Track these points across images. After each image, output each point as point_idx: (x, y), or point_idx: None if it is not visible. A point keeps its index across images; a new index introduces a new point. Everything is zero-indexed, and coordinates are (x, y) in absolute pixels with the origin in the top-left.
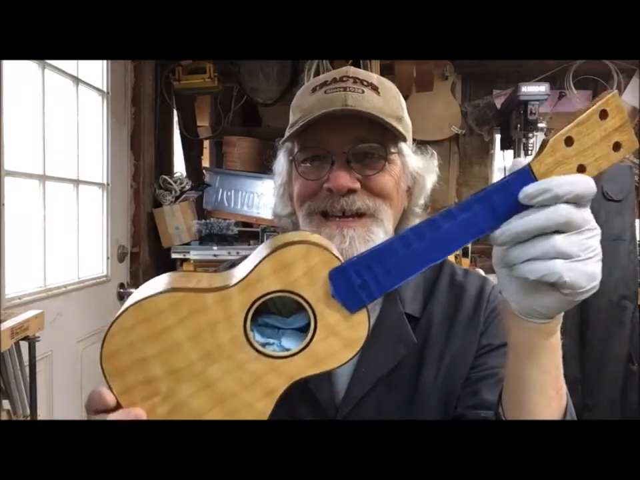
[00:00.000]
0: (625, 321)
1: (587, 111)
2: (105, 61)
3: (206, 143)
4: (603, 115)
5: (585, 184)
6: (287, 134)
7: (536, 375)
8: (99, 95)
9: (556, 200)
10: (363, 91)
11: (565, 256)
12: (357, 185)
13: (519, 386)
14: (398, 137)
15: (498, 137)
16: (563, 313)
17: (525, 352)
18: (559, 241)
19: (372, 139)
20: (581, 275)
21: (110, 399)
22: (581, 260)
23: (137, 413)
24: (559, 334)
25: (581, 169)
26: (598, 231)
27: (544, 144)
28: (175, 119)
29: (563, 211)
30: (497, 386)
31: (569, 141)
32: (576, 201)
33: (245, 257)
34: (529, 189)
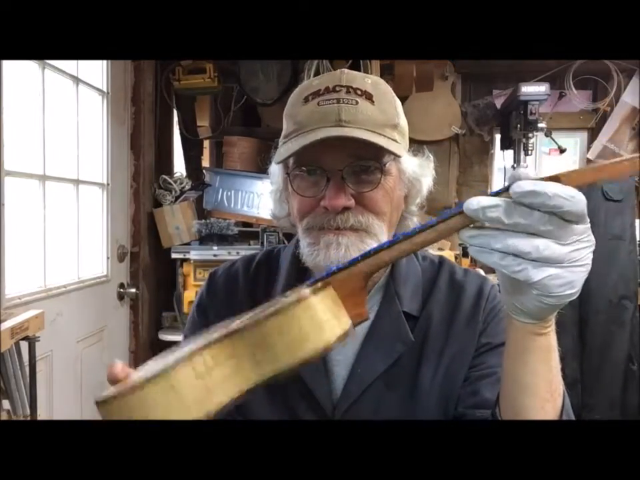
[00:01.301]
0: (625, 321)
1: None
2: (104, 61)
3: (206, 143)
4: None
5: (578, 203)
6: (280, 142)
7: (525, 376)
8: (99, 94)
9: (544, 207)
10: (357, 102)
11: (543, 260)
12: (352, 202)
13: (511, 387)
14: (393, 147)
15: (498, 136)
16: (552, 317)
17: (513, 352)
18: (542, 246)
19: (367, 156)
20: (555, 280)
21: (118, 371)
22: (560, 266)
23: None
24: (550, 337)
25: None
26: (591, 243)
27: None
28: (175, 119)
29: (545, 222)
30: (497, 385)
31: (555, 179)
32: (564, 216)
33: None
34: (524, 185)
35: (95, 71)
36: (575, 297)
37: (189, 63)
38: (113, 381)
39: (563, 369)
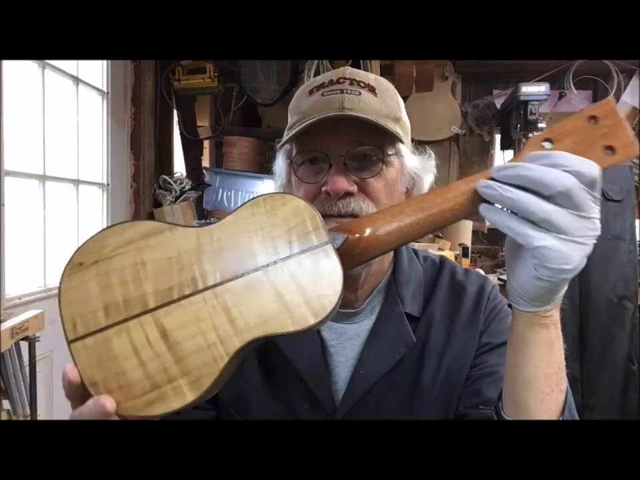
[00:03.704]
0: (625, 321)
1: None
2: (105, 61)
3: (206, 143)
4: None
5: (591, 168)
6: (285, 136)
7: (525, 370)
8: (98, 94)
9: (555, 166)
10: (360, 93)
11: (552, 227)
12: (354, 188)
13: (512, 380)
14: (395, 138)
15: (498, 136)
16: (551, 308)
17: (515, 345)
18: (553, 210)
19: (369, 142)
20: (553, 250)
21: (72, 374)
22: (563, 238)
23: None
24: (551, 331)
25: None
26: (597, 230)
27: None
28: (175, 119)
29: (567, 180)
30: (498, 384)
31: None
32: (578, 178)
33: None
34: (537, 152)
35: (95, 70)
36: (570, 275)
37: (189, 63)
38: (72, 387)
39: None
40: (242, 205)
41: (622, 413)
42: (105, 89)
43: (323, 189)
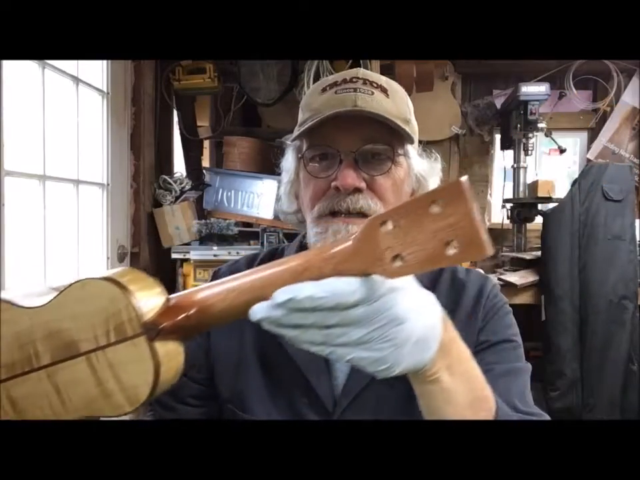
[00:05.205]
0: (625, 321)
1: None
2: (104, 61)
3: (206, 143)
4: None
5: (341, 295)
6: (295, 132)
7: (435, 414)
8: (99, 94)
9: (312, 309)
10: (373, 93)
11: (343, 345)
12: (363, 185)
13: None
14: (405, 138)
15: (498, 136)
16: (431, 366)
17: (417, 395)
18: (333, 334)
19: (380, 140)
20: (362, 360)
21: None
22: (363, 347)
23: None
24: (442, 382)
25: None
26: (389, 320)
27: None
28: (175, 119)
29: (324, 318)
30: (495, 381)
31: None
32: (337, 308)
33: None
34: (278, 294)
35: (95, 71)
36: (397, 370)
37: (189, 63)
38: None
39: (562, 371)
40: (69, 287)
41: (622, 413)
42: (104, 89)
43: (333, 184)
